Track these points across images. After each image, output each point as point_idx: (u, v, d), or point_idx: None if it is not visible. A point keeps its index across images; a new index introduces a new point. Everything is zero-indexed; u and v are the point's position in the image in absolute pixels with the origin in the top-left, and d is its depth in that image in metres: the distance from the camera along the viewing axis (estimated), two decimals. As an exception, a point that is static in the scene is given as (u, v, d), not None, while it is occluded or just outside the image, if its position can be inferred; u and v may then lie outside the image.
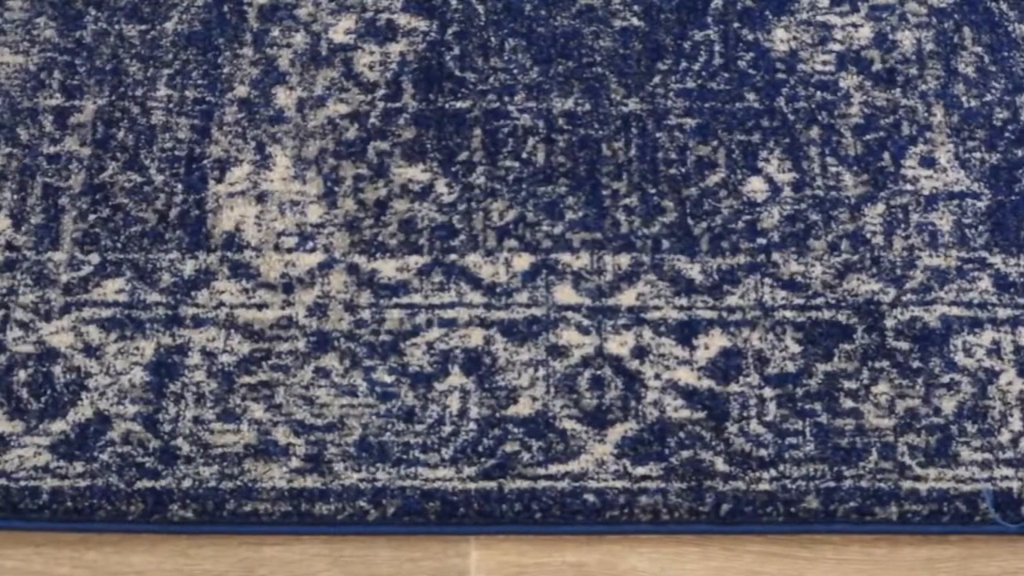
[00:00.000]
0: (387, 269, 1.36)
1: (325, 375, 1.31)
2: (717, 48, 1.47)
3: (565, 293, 1.35)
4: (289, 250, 1.37)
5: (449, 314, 1.34)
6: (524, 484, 1.26)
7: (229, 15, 1.49)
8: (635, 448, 1.28)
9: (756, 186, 1.40)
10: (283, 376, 1.31)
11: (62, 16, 1.49)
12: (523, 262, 1.36)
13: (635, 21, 1.48)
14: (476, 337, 1.33)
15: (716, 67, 1.46)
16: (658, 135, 1.42)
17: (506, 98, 1.44)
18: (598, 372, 1.31)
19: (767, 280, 1.35)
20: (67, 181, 1.40)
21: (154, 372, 1.31)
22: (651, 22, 1.48)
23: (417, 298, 1.34)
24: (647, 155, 1.41)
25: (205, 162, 1.41)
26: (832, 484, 1.26)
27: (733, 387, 1.30)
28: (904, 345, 1.32)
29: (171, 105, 1.44)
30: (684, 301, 1.34)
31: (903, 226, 1.38)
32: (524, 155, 1.41)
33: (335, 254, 1.36)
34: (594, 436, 1.28)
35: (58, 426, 1.29)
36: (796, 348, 1.32)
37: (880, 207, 1.39)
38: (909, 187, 1.40)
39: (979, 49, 1.48)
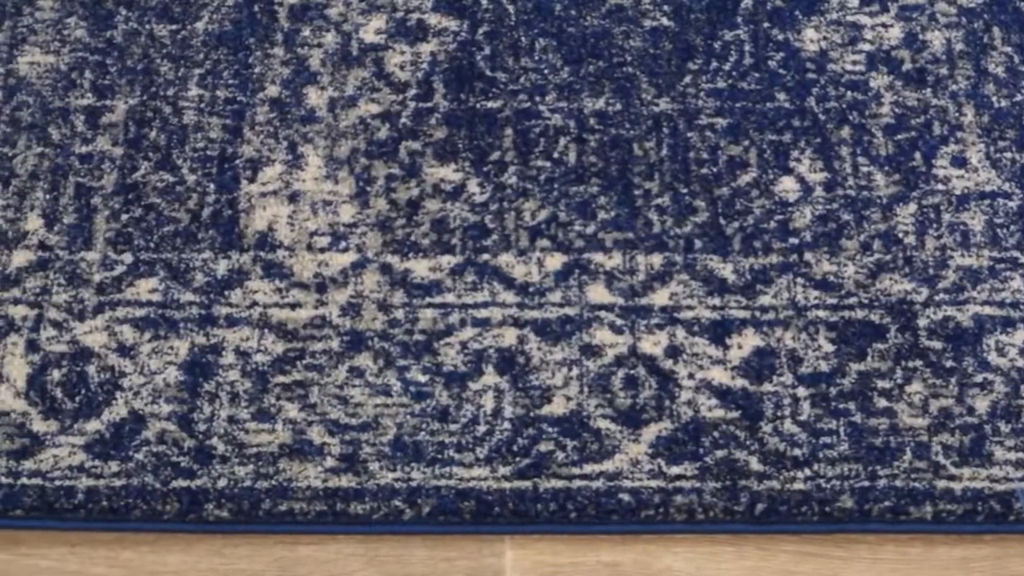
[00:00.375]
0: (420, 269, 1.36)
1: (359, 375, 1.31)
2: (747, 48, 1.47)
3: (598, 293, 1.35)
4: (322, 250, 1.37)
5: (482, 314, 1.34)
6: (559, 484, 1.26)
7: (260, 15, 1.49)
8: (669, 448, 1.28)
9: (788, 186, 1.40)
10: (317, 376, 1.31)
11: (92, 16, 1.49)
12: (556, 262, 1.36)
13: (665, 21, 1.48)
14: (510, 337, 1.33)
15: (747, 67, 1.46)
16: (689, 135, 1.42)
17: (537, 98, 1.44)
18: (632, 372, 1.31)
19: (800, 280, 1.35)
20: (99, 181, 1.40)
21: (188, 371, 1.31)
22: (681, 22, 1.48)
23: (450, 298, 1.35)
24: (679, 155, 1.41)
25: (237, 162, 1.41)
26: (867, 484, 1.26)
27: (767, 387, 1.30)
28: (937, 345, 1.32)
29: (203, 105, 1.44)
30: (717, 301, 1.34)
31: (935, 226, 1.38)
32: (556, 155, 1.41)
33: (368, 254, 1.37)
34: (628, 436, 1.28)
35: (93, 425, 1.29)
36: (829, 348, 1.32)
37: (912, 207, 1.39)
38: (941, 187, 1.40)
39: (1009, 49, 1.48)
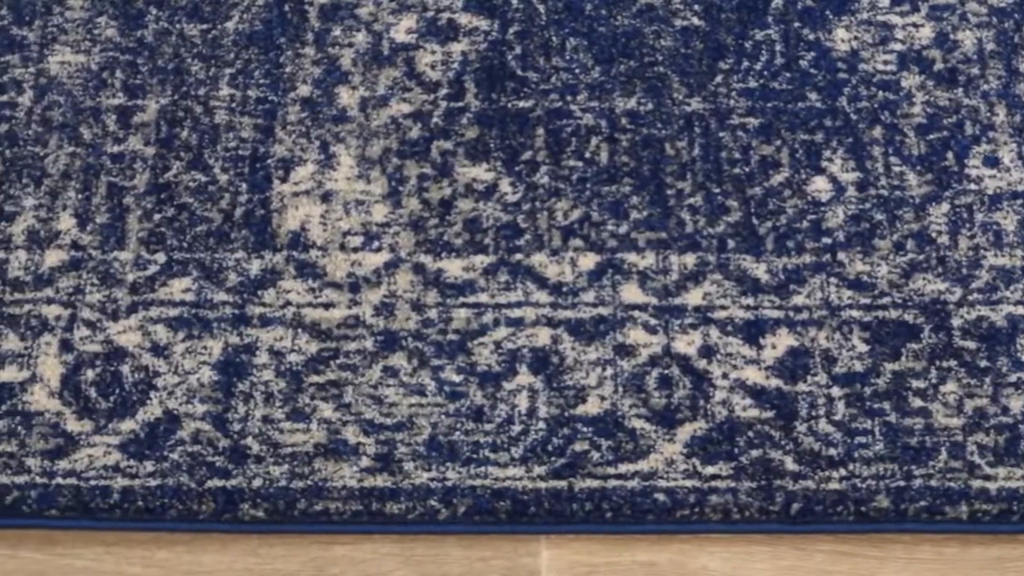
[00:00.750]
0: (453, 268, 1.36)
1: (393, 374, 1.31)
2: (778, 48, 1.47)
3: (631, 292, 1.35)
4: (355, 249, 1.37)
5: (516, 313, 1.34)
6: (594, 483, 1.26)
7: (290, 14, 1.49)
8: (704, 447, 1.28)
9: (820, 186, 1.40)
10: (351, 375, 1.31)
11: (123, 15, 1.49)
12: (588, 261, 1.36)
13: (696, 20, 1.48)
14: (543, 336, 1.33)
15: (778, 67, 1.46)
16: (721, 134, 1.42)
17: (568, 97, 1.44)
18: (666, 371, 1.31)
19: (833, 280, 1.35)
20: (131, 180, 1.40)
21: (222, 371, 1.31)
22: (712, 22, 1.48)
23: (484, 297, 1.35)
24: (711, 154, 1.41)
25: (269, 161, 1.41)
26: (902, 483, 1.26)
27: (801, 386, 1.30)
28: (971, 344, 1.32)
29: (234, 104, 1.44)
30: (750, 300, 1.34)
31: (968, 226, 1.38)
32: (587, 154, 1.41)
33: (401, 253, 1.37)
34: (663, 435, 1.28)
35: (127, 425, 1.29)
36: (863, 347, 1.32)
37: (945, 207, 1.39)
38: (973, 187, 1.40)
39: (1040, 48, 1.48)
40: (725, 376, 1.31)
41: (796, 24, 1.48)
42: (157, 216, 1.38)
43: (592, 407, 1.30)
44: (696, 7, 1.49)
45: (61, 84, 1.45)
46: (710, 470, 1.27)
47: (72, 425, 1.29)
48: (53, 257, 1.36)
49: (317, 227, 1.38)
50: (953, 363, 1.31)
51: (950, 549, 1.26)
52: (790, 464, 1.27)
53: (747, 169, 1.41)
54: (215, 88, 1.45)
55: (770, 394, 1.30)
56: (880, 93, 1.45)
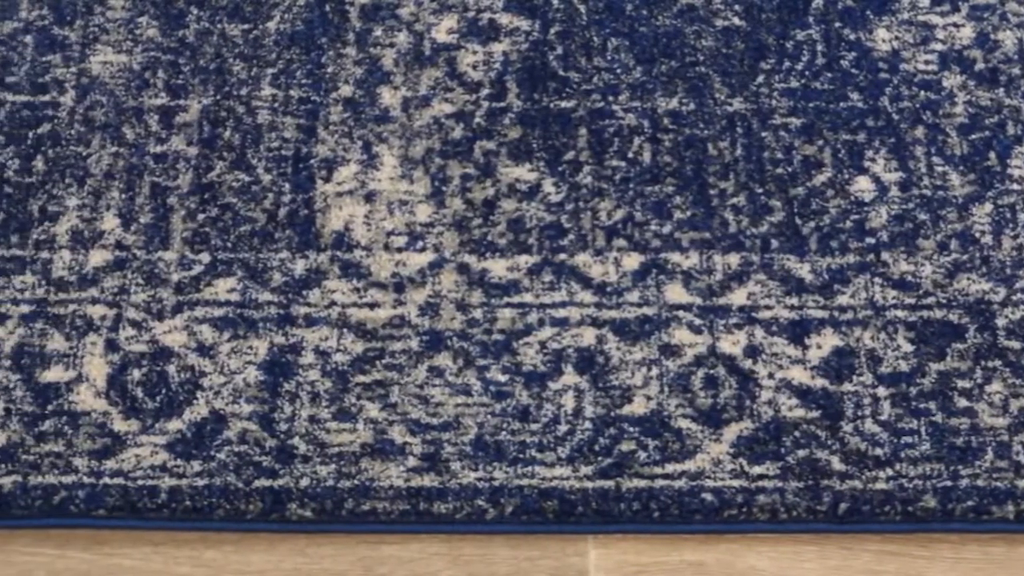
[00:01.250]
0: (497, 268, 1.36)
1: (439, 374, 1.31)
2: (820, 48, 1.47)
3: (676, 292, 1.35)
4: (399, 249, 1.37)
5: (560, 313, 1.34)
6: (641, 483, 1.26)
7: (331, 15, 1.49)
8: (751, 447, 1.28)
9: (863, 185, 1.40)
10: (397, 375, 1.31)
11: (164, 15, 1.49)
12: (632, 261, 1.36)
13: (736, 21, 1.48)
14: (588, 336, 1.33)
15: (819, 67, 1.46)
16: (763, 135, 1.42)
17: (610, 97, 1.44)
18: (711, 371, 1.31)
19: (877, 279, 1.35)
20: (175, 180, 1.40)
21: (268, 371, 1.31)
22: (753, 22, 1.48)
23: (528, 297, 1.35)
24: (753, 155, 1.41)
25: (312, 162, 1.41)
26: (949, 483, 1.26)
27: (847, 386, 1.30)
28: (1016, 344, 1.32)
29: (276, 104, 1.44)
30: (795, 300, 1.34)
31: (1011, 225, 1.38)
32: (630, 155, 1.41)
33: (445, 253, 1.37)
34: (710, 435, 1.28)
35: (174, 425, 1.29)
36: (908, 347, 1.32)
37: (988, 207, 1.39)
38: (1016, 187, 1.40)
39: (1080, 49, 1.48)
40: (771, 376, 1.31)
41: (837, 24, 1.48)
42: (201, 216, 1.38)
43: (638, 407, 1.30)
44: (737, 7, 1.49)
45: (103, 84, 1.45)
46: (757, 470, 1.27)
47: (119, 425, 1.29)
48: (97, 257, 1.36)
49: (361, 227, 1.38)
50: (998, 363, 1.31)
51: (997, 549, 1.26)
52: (837, 464, 1.27)
53: (790, 169, 1.41)
54: (257, 88, 1.45)
55: (816, 394, 1.30)
56: (922, 93, 1.45)
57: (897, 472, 1.26)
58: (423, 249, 1.37)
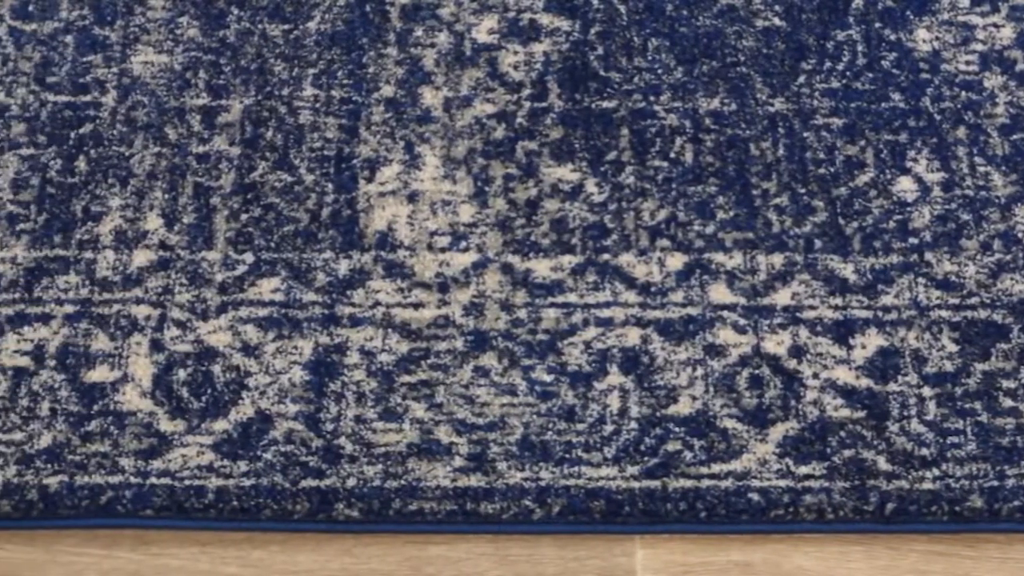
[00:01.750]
0: (541, 268, 1.36)
1: (484, 374, 1.31)
2: (860, 48, 1.47)
3: (720, 292, 1.35)
4: (443, 249, 1.37)
5: (605, 313, 1.34)
6: (688, 483, 1.27)
7: (372, 15, 1.49)
8: (797, 447, 1.28)
9: (906, 186, 1.40)
10: (442, 375, 1.31)
11: (204, 15, 1.49)
12: (676, 261, 1.36)
13: (777, 21, 1.49)
14: (633, 336, 1.33)
15: (860, 67, 1.46)
16: (805, 135, 1.42)
17: (652, 98, 1.44)
18: (756, 371, 1.31)
19: (921, 280, 1.35)
20: (218, 180, 1.40)
21: (313, 371, 1.31)
22: (793, 22, 1.49)
23: (572, 297, 1.35)
24: (795, 155, 1.41)
25: (355, 162, 1.41)
26: (995, 483, 1.26)
27: (892, 386, 1.31)
28: (1061, 344, 1.33)
29: (318, 105, 1.44)
30: (839, 301, 1.34)
31: (1054, 226, 1.38)
32: (672, 155, 1.41)
33: (488, 253, 1.37)
34: (755, 435, 1.29)
35: (220, 425, 1.29)
36: (953, 347, 1.32)
37: (1031, 207, 1.39)
38: (1059, 187, 1.40)
39: (1120, 48, 1.48)
40: (816, 376, 1.31)
41: (877, 24, 1.48)
42: (244, 216, 1.38)
43: (684, 407, 1.30)
44: (777, 8, 1.49)
45: (145, 84, 1.45)
46: (803, 470, 1.27)
47: (165, 425, 1.29)
48: (141, 257, 1.36)
49: (404, 227, 1.38)
50: (1043, 363, 1.32)
51: (1044, 549, 1.26)
52: (883, 464, 1.27)
53: (832, 169, 1.41)
54: (299, 88, 1.45)
55: (861, 394, 1.30)
56: (963, 93, 1.45)
57: (943, 472, 1.26)
58: (467, 249, 1.37)
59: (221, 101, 1.44)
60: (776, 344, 1.32)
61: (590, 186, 1.40)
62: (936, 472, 1.26)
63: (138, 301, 1.34)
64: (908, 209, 1.39)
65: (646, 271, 1.36)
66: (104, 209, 1.39)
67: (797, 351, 1.32)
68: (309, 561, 1.25)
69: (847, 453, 1.28)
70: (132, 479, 1.26)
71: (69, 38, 1.47)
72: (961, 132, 1.43)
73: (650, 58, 1.46)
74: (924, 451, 1.27)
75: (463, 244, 1.37)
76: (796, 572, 1.25)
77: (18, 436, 1.28)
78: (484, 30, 1.48)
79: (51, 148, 1.42)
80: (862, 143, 1.42)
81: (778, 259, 1.36)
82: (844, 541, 1.26)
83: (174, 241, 1.37)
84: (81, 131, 1.42)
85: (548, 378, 1.31)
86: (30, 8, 1.49)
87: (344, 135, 1.42)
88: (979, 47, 1.48)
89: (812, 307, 1.34)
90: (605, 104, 1.44)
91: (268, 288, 1.35)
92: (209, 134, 1.42)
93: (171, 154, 1.41)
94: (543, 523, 1.26)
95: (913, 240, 1.37)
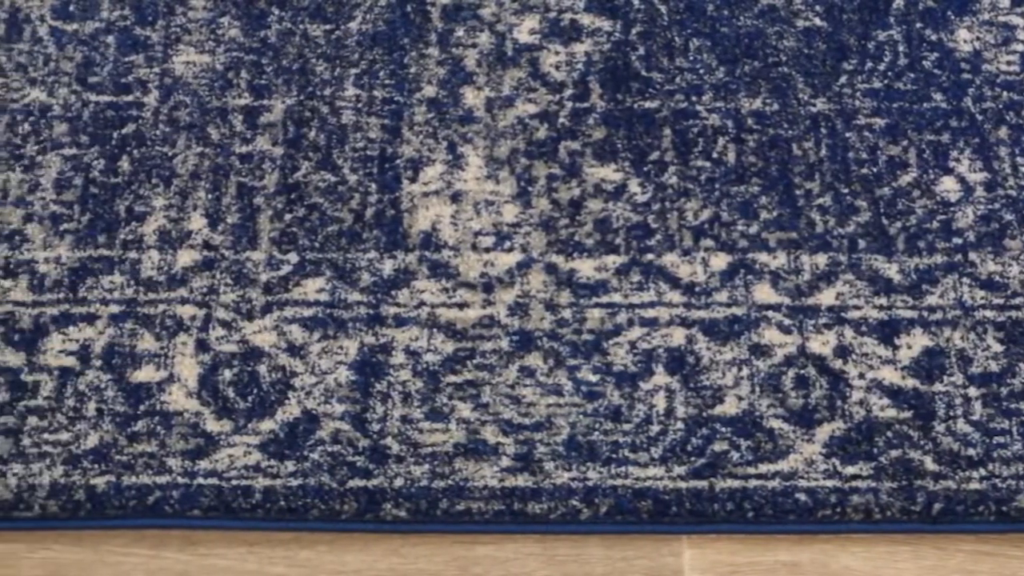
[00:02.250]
0: (585, 268, 1.36)
1: (530, 374, 1.31)
2: (901, 48, 1.47)
3: (764, 292, 1.35)
4: (487, 249, 1.37)
5: (650, 313, 1.34)
6: (735, 483, 1.27)
7: (413, 15, 1.49)
8: (844, 447, 1.28)
9: (949, 186, 1.40)
10: (488, 375, 1.31)
11: (246, 16, 1.49)
12: (720, 261, 1.36)
13: (817, 21, 1.49)
14: (678, 336, 1.33)
15: (901, 67, 1.46)
16: (848, 135, 1.42)
17: (694, 98, 1.44)
18: (802, 371, 1.31)
19: (965, 280, 1.35)
20: (261, 180, 1.40)
21: (359, 371, 1.31)
22: (834, 22, 1.49)
23: (617, 297, 1.35)
24: (838, 155, 1.41)
25: (398, 162, 1.41)
26: (1042, 483, 1.26)
27: (938, 386, 1.31)
28: (1106, 344, 1.33)
29: (360, 105, 1.44)
30: (884, 301, 1.34)
31: (1098, 226, 1.38)
32: (715, 155, 1.41)
33: (533, 253, 1.37)
34: (802, 435, 1.29)
35: (267, 425, 1.29)
36: (998, 347, 1.32)
37: (1074, 207, 1.39)
38: (1101, 187, 1.40)
39: None
40: (861, 376, 1.31)
41: (918, 25, 1.48)
42: (288, 216, 1.38)
43: (730, 407, 1.30)
44: (818, 7, 1.49)
45: (187, 84, 1.45)
46: (850, 470, 1.27)
47: (211, 425, 1.29)
48: (186, 257, 1.36)
49: (448, 227, 1.38)
50: (1088, 363, 1.32)
51: (1091, 549, 1.26)
52: (930, 464, 1.27)
53: (875, 169, 1.41)
54: (341, 88, 1.45)
55: (907, 394, 1.30)
56: (1004, 94, 1.45)
57: (990, 472, 1.26)
58: (511, 249, 1.37)
59: (263, 101, 1.44)
60: (821, 344, 1.32)
61: (633, 186, 1.40)
62: (983, 472, 1.26)
63: (183, 301, 1.34)
64: (951, 209, 1.39)
65: (690, 271, 1.36)
66: (148, 209, 1.39)
67: (842, 351, 1.32)
68: (357, 561, 1.26)
69: (894, 453, 1.28)
70: (179, 479, 1.27)
71: (110, 38, 1.47)
72: (1003, 132, 1.43)
73: (692, 58, 1.46)
74: (971, 451, 1.27)
75: (507, 244, 1.37)
76: (843, 572, 1.25)
77: (65, 436, 1.28)
78: (525, 30, 1.48)
79: (94, 148, 1.42)
80: (904, 143, 1.42)
81: (822, 259, 1.36)
82: (891, 541, 1.26)
83: (218, 241, 1.37)
84: (124, 131, 1.42)
85: (594, 378, 1.31)
86: (71, 8, 1.49)
87: (387, 135, 1.42)
88: (1020, 47, 1.48)
89: (857, 307, 1.34)
90: (647, 104, 1.44)
91: (313, 288, 1.35)
92: (252, 134, 1.42)
93: (214, 154, 1.42)
94: (590, 523, 1.26)
95: (957, 240, 1.37)
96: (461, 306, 1.34)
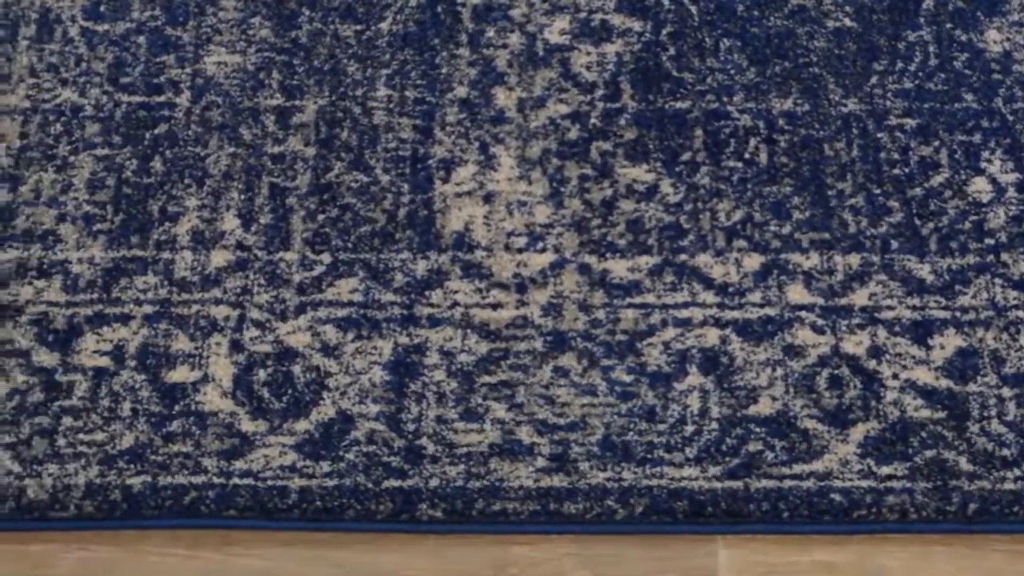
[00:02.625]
0: (618, 269, 1.36)
1: (564, 374, 1.31)
2: (932, 49, 1.47)
3: (797, 293, 1.35)
4: (519, 250, 1.37)
5: (683, 314, 1.34)
6: (770, 484, 1.27)
7: (443, 16, 1.49)
8: (878, 448, 1.28)
9: (980, 186, 1.40)
10: (522, 376, 1.31)
11: (276, 16, 1.49)
12: (753, 262, 1.36)
13: (847, 22, 1.48)
14: (712, 337, 1.33)
15: (932, 68, 1.46)
16: (879, 135, 1.42)
17: (725, 98, 1.44)
18: (836, 371, 1.32)
19: (998, 280, 1.35)
20: (293, 181, 1.40)
21: (393, 371, 1.31)
22: (864, 23, 1.48)
23: (650, 298, 1.35)
24: (869, 155, 1.41)
25: (430, 162, 1.41)
26: (1077, 483, 1.26)
27: (971, 387, 1.31)
28: None
29: (392, 105, 1.44)
30: (916, 301, 1.34)
31: None
32: (747, 155, 1.41)
33: (566, 254, 1.37)
34: (836, 436, 1.29)
35: (302, 425, 1.29)
36: (1032, 348, 1.32)
37: (1106, 207, 1.39)
38: None
39: None
40: (895, 376, 1.31)
41: (948, 25, 1.48)
42: (321, 216, 1.38)
43: (764, 407, 1.30)
44: (847, 8, 1.49)
45: (218, 84, 1.45)
46: (885, 470, 1.27)
47: (247, 425, 1.29)
48: (219, 258, 1.36)
49: (481, 227, 1.38)
50: (1122, 363, 1.32)
51: (1126, 549, 1.27)
52: (965, 464, 1.27)
53: (907, 170, 1.41)
54: (372, 89, 1.45)
55: (941, 394, 1.30)
56: (1035, 94, 1.45)
57: (1025, 472, 1.27)
58: (543, 250, 1.37)
59: (295, 102, 1.44)
60: (855, 344, 1.33)
61: (665, 186, 1.40)
62: (1017, 472, 1.27)
63: (217, 301, 1.34)
64: (983, 210, 1.39)
65: (723, 271, 1.36)
66: (180, 209, 1.39)
67: (876, 351, 1.32)
68: (393, 561, 1.26)
69: (928, 453, 1.28)
70: (215, 479, 1.27)
71: (141, 39, 1.47)
72: (1034, 133, 1.43)
73: (722, 59, 1.46)
74: (1005, 451, 1.28)
75: (540, 245, 1.37)
76: (879, 572, 1.25)
77: (100, 436, 1.29)
78: (556, 31, 1.48)
79: (126, 148, 1.42)
80: (936, 144, 1.42)
81: (855, 259, 1.36)
82: (926, 541, 1.27)
83: (251, 241, 1.37)
84: (156, 131, 1.42)
85: (628, 378, 1.31)
86: (102, 9, 1.49)
87: (419, 135, 1.42)
88: (1050, 48, 1.48)
89: (890, 307, 1.34)
90: (678, 105, 1.44)
91: (346, 288, 1.35)
92: (284, 134, 1.42)
93: (246, 154, 1.41)
94: (626, 523, 1.26)
95: (989, 241, 1.37)
96: (495, 306, 1.34)
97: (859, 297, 1.35)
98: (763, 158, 1.41)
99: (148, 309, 1.34)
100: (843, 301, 1.35)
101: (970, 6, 1.49)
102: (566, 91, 1.45)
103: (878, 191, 1.40)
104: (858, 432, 1.29)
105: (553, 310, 1.34)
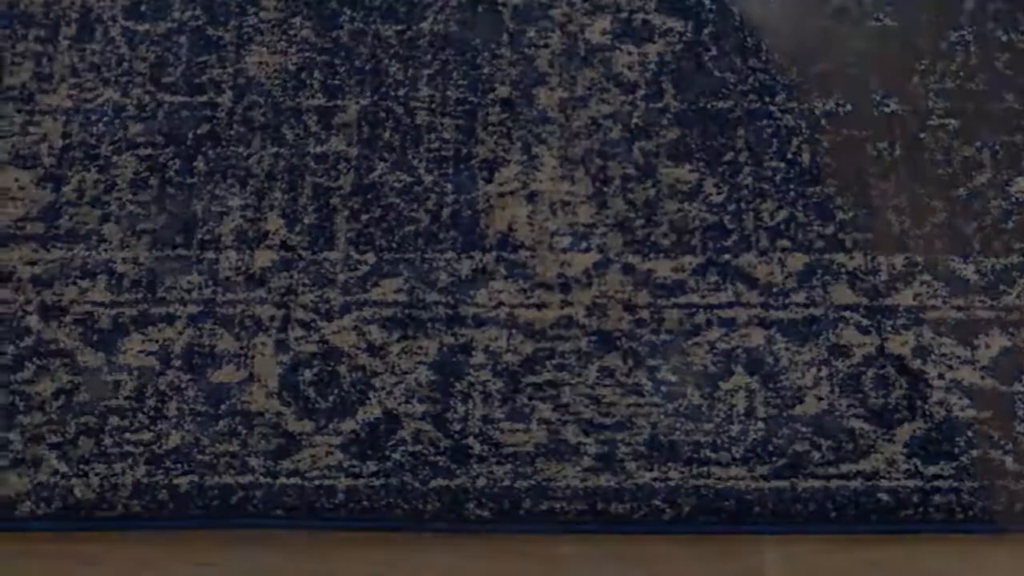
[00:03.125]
0: (662, 269, 1.36)
1: (609, 374, 1.31)
2: (973, 49, 1.47)
3: (842, 293, 1.35)
4: (563, 250, 1.37)
5: (728, 314, 1.34)
6: (817, 483, 1.27)
7: (484, 15, 1.49)
8: (924, 447, 1.28)
9: (1023, 186, 1.40)
10: (568, 375, 1.31)
11: (317, 16, 1.49)
12: (797, 262, 1.36)
13: (888, 22, 1.48)
14: (756, 337, 1.33)
15: (973, 67, 1.46)
16: (921, 135, 1.42)
17: (767, 98, 1.44)
18: (881, 371, 1.31)
19: (1042, 280, 1.36)
20: (336, 181, 1.40)
21: (439, 371, 1.31)
22: (905, 23, 1.48)
23: (695, 298, 1.35)
24: (912, 155, 1.41)
25: (473, 162, 1.41)
26: (1124, 483, 1.26)
27: (1017, 387, 1.31)
28: None
29: (434, 105, 1.44)
30: (961, 301, 1.34)
31: None
32: (789, 155, 1.41)
33: (609, 254, 1.37)
34: (883, 435, 1.29)
35: (348, 425, 1.29)
36: (1077, 348, 1.32)
37: None
38: None
39: None
40: (941, 376, 1.31)
41: (989, 25, 1.48)
42: (364, 217, 1.38)
43: (810, 407, 1.30)
44: (888, 8, 1.49)
45: (260, 84, 1.45)
46: (932, 470, 1.27)
47: (293, 425, 1.29)
48: (263, 257, 1.36)
49: (524, 227, 1.38)
50: None
51: None
52: (1011, 464, 1.27)
53: (950, 170, 1.41)
54: (414, 89, 1.45)
55: (987, 394, 1.30)
56: (1077, 94, 1.45)
57: (1072, 472, 1.27)
58: (587, 250, 1.37)
59: (337, 102, 1.44)
60: (900, 344, 1.33)
61: (708, 186, 1.40)
62: (1064, 472, 1.27)
63: (262, 301, 1.34)
64: (1027, 210, 1.39)
65: (767, 271, 1.36)
66: (224, 209, 1.39)
67: (921, 351, 1.32)
68: (443, 561, 1.26)
69: (975, 453, 1.28)
70: (262, 479, 1.27)
71: (183, 38, 1.47)
72: (1077, 133, 1.43)
73: (764, 59, 1.46)
74: (1052, 451, 1.28)
75: (584, 244, 1.37)
76: (926, 572, 1.25)
77: (146, 436, 1.29)
78: (597, 31, 1.48)
79: (169, 148, 1.42)
80: (978, 144, 1.42)
81: (899, 260, 1.36)
82: (973, 541, 1.27)
83: (295, 241, 1.37)
84: (199, 131, 1.42)
85: (673, 378, 1.31)
86: (143, 8, 1.49)
87: (461, 136, 1.42)
88: (1092, 48, 1.48)
89: (935, 307, 1.34)
90: (720, 104, 1.44)
91: (391, 288, 1.35)
92: (326, 135, 1.42)
93: (289, 154, 1.41)
94: (674, 523, 1.26)
95: (1033, 241, 1.37)
96: (539, 306, 1.34)
97: (903, 297, 1.35)
98: (806, 158, 1.41)
99: (193, 309, 1.34)
100: (888, 301, 1.34)
101: (1010, 6, 1.49)
102: (608, 91, 1.45)
103: (921, 191, 1.39)
104: (904, 432, 1.29)
105: (597, 310, 1.34)
